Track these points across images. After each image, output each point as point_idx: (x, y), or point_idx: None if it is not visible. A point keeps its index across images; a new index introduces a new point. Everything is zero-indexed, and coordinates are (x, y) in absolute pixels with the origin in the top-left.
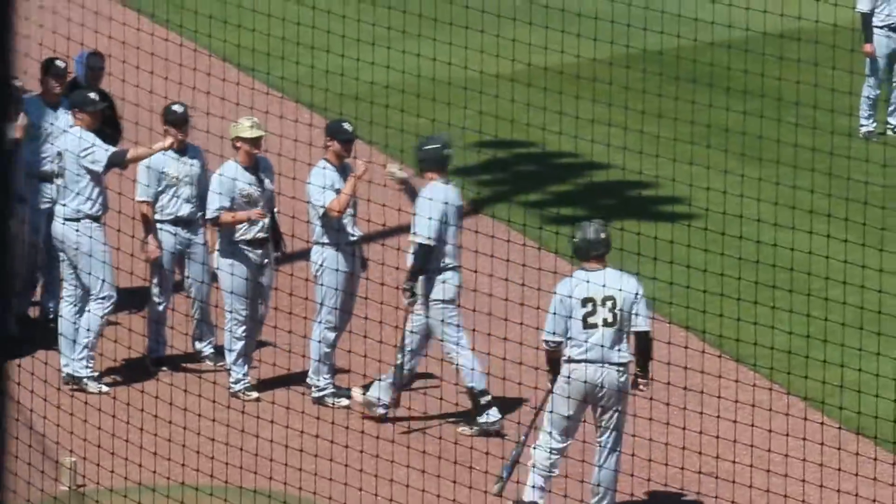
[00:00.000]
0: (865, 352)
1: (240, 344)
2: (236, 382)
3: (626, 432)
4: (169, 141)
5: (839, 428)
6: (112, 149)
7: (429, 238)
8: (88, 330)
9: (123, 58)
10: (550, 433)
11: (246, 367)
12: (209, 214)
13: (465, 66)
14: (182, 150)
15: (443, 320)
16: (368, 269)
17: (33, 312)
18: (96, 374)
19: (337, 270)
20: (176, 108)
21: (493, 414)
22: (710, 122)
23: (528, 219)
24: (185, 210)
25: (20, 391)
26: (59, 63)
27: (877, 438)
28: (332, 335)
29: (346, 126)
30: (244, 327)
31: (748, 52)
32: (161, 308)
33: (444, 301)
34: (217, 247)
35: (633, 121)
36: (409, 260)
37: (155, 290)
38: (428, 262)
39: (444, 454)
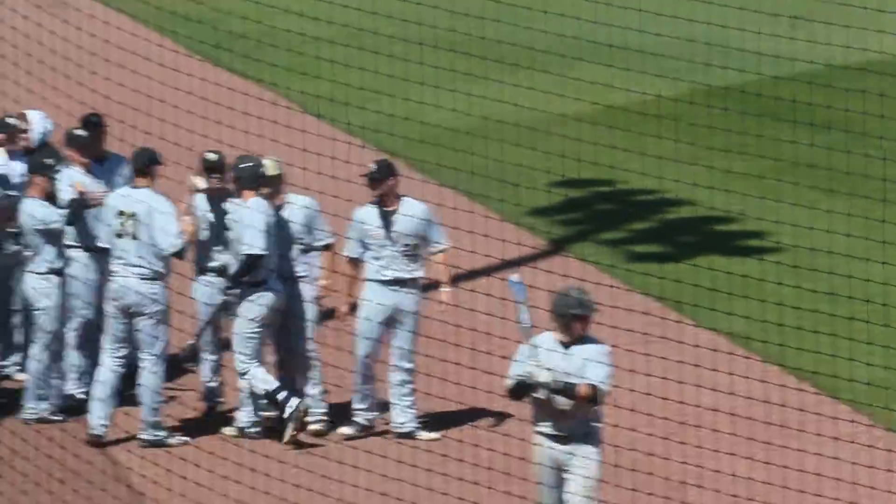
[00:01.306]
0: None
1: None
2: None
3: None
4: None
5: None
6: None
7: (261, 248)
8: (153, 391)
9: (205, 112)
10: None
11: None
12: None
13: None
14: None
15: (243, 335)
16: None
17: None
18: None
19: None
20: (210, 155)
21: (292, 402)
22: (795, 157)
23: (613, 258)
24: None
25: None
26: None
27: None
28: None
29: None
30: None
31: (830, 87)
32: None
33: (248, 319)
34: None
35: (717, 158)
36: (234, 268)
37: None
38: (253, 273)
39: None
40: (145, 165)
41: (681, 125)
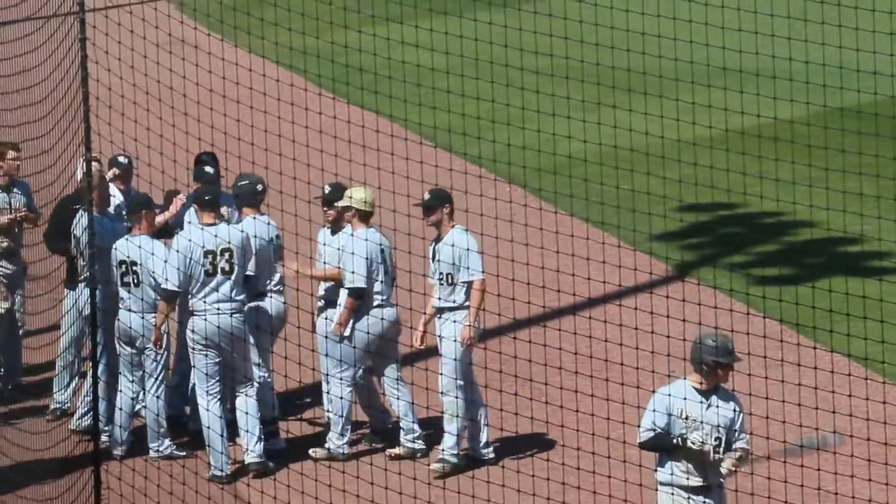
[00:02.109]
0: None
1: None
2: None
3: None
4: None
5: None
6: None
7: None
8: (249, 415)
9: (321, 146)
10: None
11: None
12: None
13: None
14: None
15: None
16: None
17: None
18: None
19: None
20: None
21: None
22: None
23: (733, 282)
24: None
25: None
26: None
27: None
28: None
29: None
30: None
31: None
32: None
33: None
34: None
35: (834, 179)
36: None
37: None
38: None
39: None
40: (213, 202)
41: (798, 147)
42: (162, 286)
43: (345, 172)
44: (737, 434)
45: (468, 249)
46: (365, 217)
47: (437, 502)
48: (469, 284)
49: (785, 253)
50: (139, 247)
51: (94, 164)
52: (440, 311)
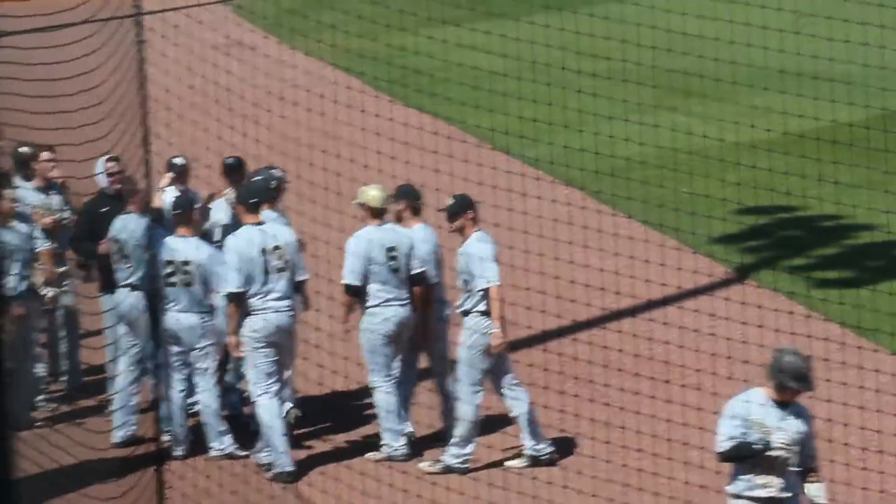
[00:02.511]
0: None
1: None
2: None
3: None
4: None
5: None
6: None
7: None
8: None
9: (378, 148)
10: None
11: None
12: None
13: (721, 139)
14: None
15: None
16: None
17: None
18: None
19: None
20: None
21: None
22: None
23: (793, 285)
24: None
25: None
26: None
27: None
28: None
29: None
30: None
31: None
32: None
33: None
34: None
35: (894, 182)
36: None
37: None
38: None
39: None
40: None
41: (857, 150)
42: (224, 290)
43: (402, 175)
44: (809, 457)
45: (481, 258)
46: (376, 214)
47: (498, 503)
48: (485, 292)
49: (845, 256)
50: (193, 247)
51: (113, 163)
52: (462, 315)
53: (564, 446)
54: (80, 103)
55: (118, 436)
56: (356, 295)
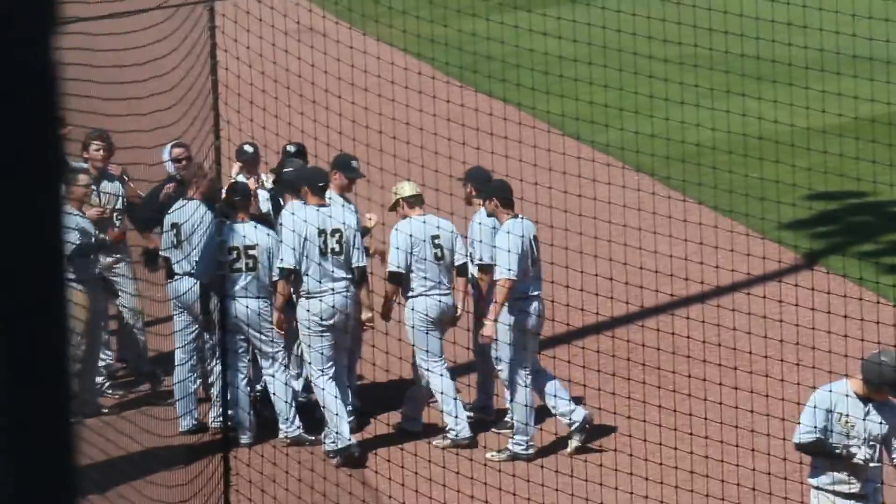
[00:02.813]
0: None
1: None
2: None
3: None
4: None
5: None
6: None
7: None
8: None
9: (448, 134)
10: None
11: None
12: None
13: (792, 124)
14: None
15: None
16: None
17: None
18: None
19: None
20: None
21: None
22: None
23: (863, 271)
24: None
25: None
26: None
27: None
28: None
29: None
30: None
31: None
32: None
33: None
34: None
35: None
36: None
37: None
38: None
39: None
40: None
41: None
42: (277, 265)
43: (472, 160)
44: (893, 449)
45: (495, 246)
46: (412, 205)
47: (564, 489)
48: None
49: None
50: (256, 232)
51: (180, 149)
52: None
53: (632, 432)
54: (150, 89)
55: (183, 424)
56: (399, 283)
